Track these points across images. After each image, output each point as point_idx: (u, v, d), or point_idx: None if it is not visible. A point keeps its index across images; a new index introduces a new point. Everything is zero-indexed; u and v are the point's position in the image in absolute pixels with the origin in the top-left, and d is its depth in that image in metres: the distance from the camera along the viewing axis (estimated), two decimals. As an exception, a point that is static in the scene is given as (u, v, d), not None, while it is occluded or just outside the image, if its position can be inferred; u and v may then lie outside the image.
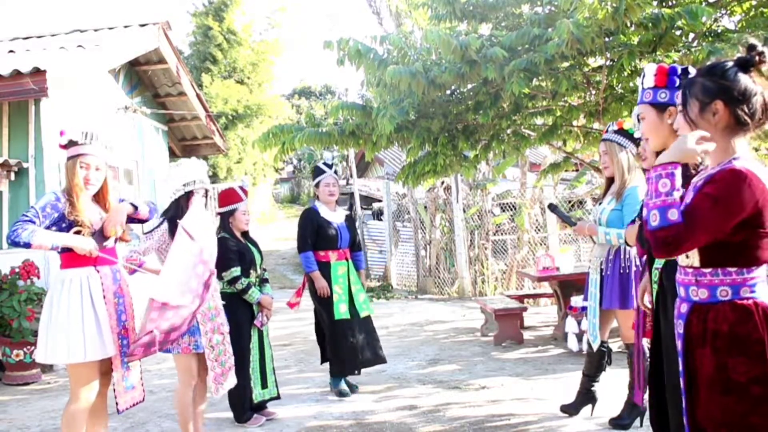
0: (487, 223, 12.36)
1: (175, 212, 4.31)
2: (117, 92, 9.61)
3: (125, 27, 9.31)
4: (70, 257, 3.57)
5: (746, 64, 2.15)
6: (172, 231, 4.23)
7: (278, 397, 5.24)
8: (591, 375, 4.68)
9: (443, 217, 13.13)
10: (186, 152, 12.08)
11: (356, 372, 5.89)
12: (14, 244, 3.37)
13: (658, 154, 2.97)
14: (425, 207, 13.40)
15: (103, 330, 3.52)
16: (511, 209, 12.56)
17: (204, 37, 23.23)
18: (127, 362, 3.67)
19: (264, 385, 5.09)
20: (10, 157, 7.51)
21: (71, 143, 3.68)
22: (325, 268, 5.64)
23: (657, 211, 2.11)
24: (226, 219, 5.03)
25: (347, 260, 5.76)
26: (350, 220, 5.91)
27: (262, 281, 5.13)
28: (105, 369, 3.65)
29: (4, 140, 7.70)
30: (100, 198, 3.79)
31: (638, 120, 2.90)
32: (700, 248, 2.17)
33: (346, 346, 5.61)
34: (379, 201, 17.67)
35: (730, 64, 2.17)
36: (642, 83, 2.78)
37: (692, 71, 2.64)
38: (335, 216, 5.77)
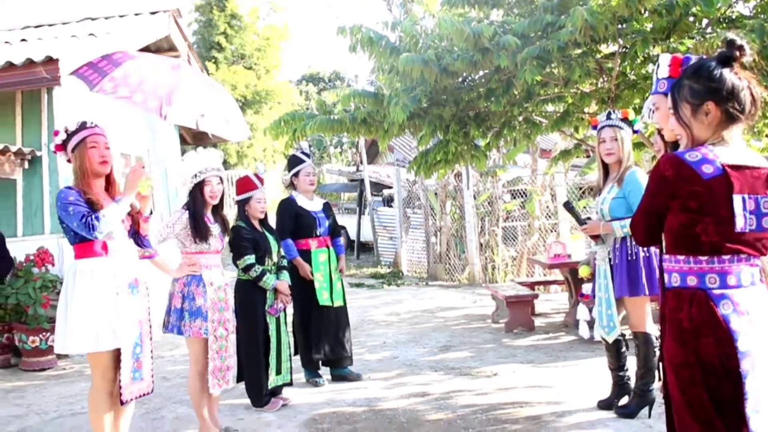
0: (498, 210, 12.35)
1: (193, 204, 4.38)
2: (128, 80, 9.62)
3: (136, 15, 9.31)
4: (83, 248, 3.59)
5: (728, 60, 2.21)
6: (193, 223, 4.31)
7: (291, 384, 5.30)
8: (616, 368, 4.69)
9: (453, 204, 13.13)
10: (197, 140, 12.09)
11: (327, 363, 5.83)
12: (94, 231, 3.41)
13: (670, 143, 2.99)
14: (435, 194, 13.40)
15: (113, 321, 3.55)
16: (522, 196, 12.54)
17: (207, 26, 23.20)
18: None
19: (278, 371, 5.14)
20: (24, 146, 7.55)
21: (70, 135, 3.67)
22: (305, 256, 5.67)
23: None
24: (242, 206, 5.06)
25: (328, 247, 5.79)
26: (328, 207, 5.95)
27: (279, 268, 5.16)
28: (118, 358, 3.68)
29: (18, 129, 7.74)
30: (109, 188, 3.79)
31: (651, 110, 2.90)
32: (663, 235, 2.32)
33: (321, 335, 5.64)
34: (390, 188, 17.67)
35: (714, 63, 2.23)
36: (656, 73, 2.79)
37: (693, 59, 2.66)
38: (313, 204, 5.80)
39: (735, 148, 2.22)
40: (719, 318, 2.13)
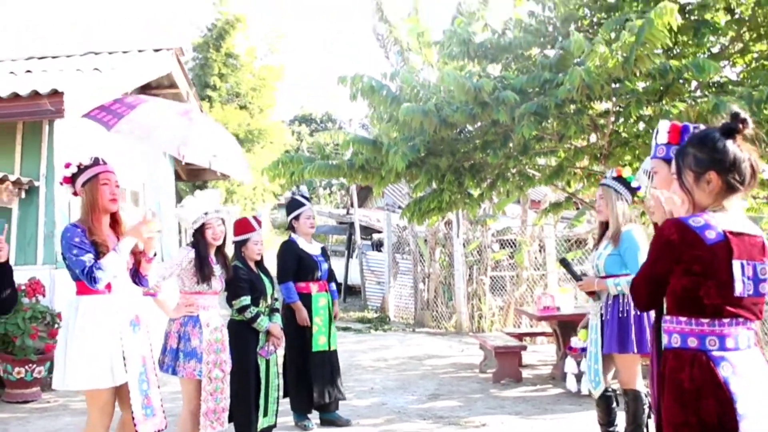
0: (486, 259, 12.44)
1: (197, 247, 4.46)
2: (128, 115, 9.73)
3: (139, 51, 9.48)
4: (84, 285, 3.60)
5: (731, 132, 2.33)
6: (198, 265, 4.38)
7: (275, 426, 5.29)
8: (606, 423, 4.71)
9: (443, 251, 13.22)
10: (191, 176, 12.18)
11: (327, 407, 5.82)
12: (95, 283, 3.47)
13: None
14: (425, 240, 13.49)
15: (113, 358, 3.56)
16: (511, 246, 12.65)
17: (204, 66, 23.44)
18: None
19: (265, 413, 5.14)
20: (22, 176, 7.60)
21: (81, 170, 3.73)
22: (306, 300, 5.70)
23: None
24: (239, 248, 5.12)
25: (327, 292, 5.84)
26: (325, 251, 6.03)
27: (272, 311, 5.20)
28: (125, 394, 3.68)
29: (17, 158, 7.80)
30: (114, 225, 3.83)
31: (648, 175, 3.02)
32: (666, 296, 2.38)
33: (321, 379, 5.65)
34: (379, 232, 17.75)
35: (718, 134, 2.34)
36: (655, 139, 2.92)
37: (701, 128, 2.79)
38: (313, 248, 5.87)
39: (734, 215, 2.33)
40: (720, 380, 2.20)
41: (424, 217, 7.81)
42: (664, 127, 2.88)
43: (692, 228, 2.25)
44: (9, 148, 7.78)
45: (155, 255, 3.89)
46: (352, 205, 18.41)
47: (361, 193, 21.05)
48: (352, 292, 18.02)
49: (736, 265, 2.24)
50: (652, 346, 3.29)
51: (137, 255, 3.79)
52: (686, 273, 2.26)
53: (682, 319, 2.31)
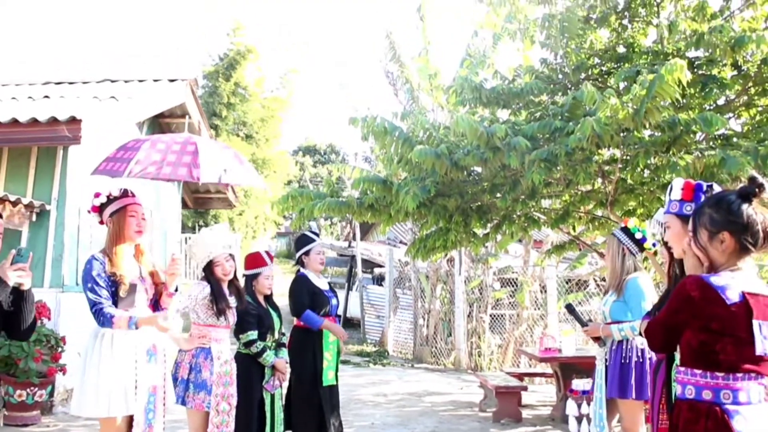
0: (487, 297, 12.50)
1: (209, 284, 4.54)
2: (140, 142, 9.88)
3: (155, 81, 9.65)
4: None
5: (748, 196, 2.43)
6: (215, 301, 4.46)
7: None
8: None
9: (444, 288, 13.29)
10: (197, 204, 12.31)
11: None
12: (100, 324, 3.63)
13: (676, 260, 3.21)
14: (427, 276, 13.56)
15: (129, 388, 3.63)
16: (511, 284, 12.72)
17: (213, 94, 23.70)
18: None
19: (270, 447, 5.17)
20: (34, 199, 7.70)
21: (110, 200, 3.85)
22: (316, 336, 5.74)
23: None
24: (250, 282, 5.19)
25: None
26: (332, 286, 6.10)
27: (279, 345, 5.26)
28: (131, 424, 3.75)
29: (30, 182, 7.91)
30: (137, 255, 3.95)
31: (662, 227, 3.13)
32: (680, 346, 2.47)
33: (330, 413, 5.69)
34: (380, 266, 17.81)
35: (734, 197, 2.45)
36: (669, 195, 3.03)
37: (716, 188, 2.90)
38: (322, 283, 5.93)
39: (749, 275, 2.43)
40: None
41: (428, 255, 7.92)
42: (678, 184, 2.99)
43: (714, 287, 2.34)
44: (23, 172, 7.89)
45: (177, 290, 3.99)
46: (354, 238, 18.49)
47: (362, 226, 21.16)
48: (350, 324, 18.03)
49: (755, 324, 2.33)
50: (651, 392, 3.38)
51: (159, 287, 3.88)
52: (703, 329, 2.34)
53: (697, 371, 2.39)
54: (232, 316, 4.58)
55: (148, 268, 3.94)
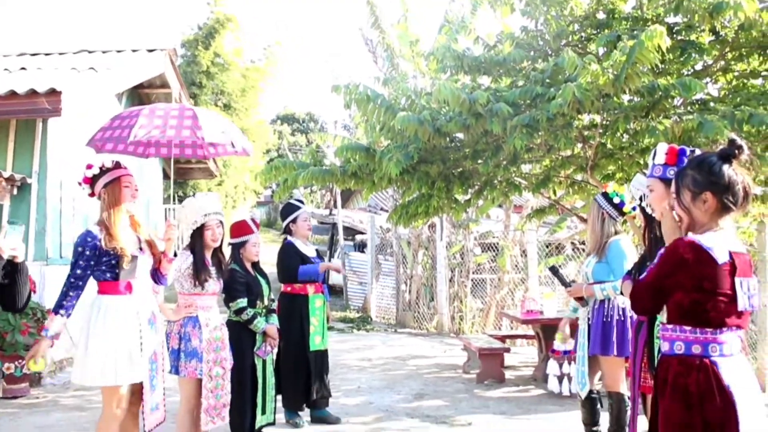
0: (468, 262, 12.67)
1: (194, 248, 4.55)
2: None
3: (133, 51, 9.55)
4: (107, 285, 3.76)
5: (728, 157, 2.55)
6: (194, 267, 4.47)
7: (273, 423, 5.44)
8: (590, 423, 4.94)
9: (426, 254, 13.43)
10: (178, 175, 12.26)
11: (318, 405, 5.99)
12: (59, 302, 3.71)
13: (655, 222, 3.32)
14: (408, 243, 13.69)
15: (133, 355, 3.71)
16: (492, 249, 12.89)
17: (192, 63, 23.37)
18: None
19: (263, 411, 5.28)
20: (15, 172, 7.66)
21: (103, 171, 3.88)
22: (302, 301, 5.86)
23: (646, 272, 2.63)
24: (236, 250, 5.24)
25: (323, 293, 6.00)
26: (319, 253, 6.20)
27: (269, 311, 5.34)
28: (135, 389, 3.82)
29: (9, 155, 7.86)
30: (131, 222, 3.99)
31: (642, 193, 3.23)
32: (667, 306, 2.57)
33: (317, 378, 5.82)
34: (362, 233, 17.91)
35: (715, 158, 2.56)
36: (653, 159, 3.13)
37: (697, 152, 3.00)
38: (309, 250, 6.03)
39: (729, 235, 2.54)
40: (724, 384, 2.42)
41: (410, 221, 8.01)
42: (662, 148, 3.08)
43: (705, 248, 2.46)
44: (2, 145, 7.84)
45: (175, 255, 4.04)
46: (335, 206, 18.55)
47: (343, 193, 21.21)
48: (333, 291, 18.14)
49: (737, 282, 2.47)
50: (633, 350, 3.51)
51: (158, 254, 3.93)
52: (696, 289, 2.46)
53: (687, 328, 2.51)
54: (216, 284, 4.58)
55: (145, 238, 3.98)
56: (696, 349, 2.49)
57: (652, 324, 3.21)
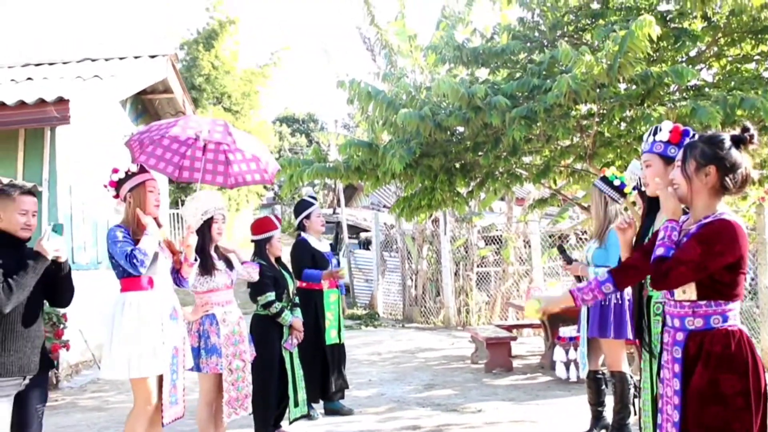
0: (473, 255, 12.81)
1: (202, 241, 4.67)
2: (124, 120, 9.97)
3: (135, 57, 9.69)
4: (130, 282, 3.91)
5: (739, 142, 2.68)
6: (202, 254, 4.60)
7: (307, 415, 5.60)
8: (596, 403, 5.09)
9: (430, 249, 13.57)
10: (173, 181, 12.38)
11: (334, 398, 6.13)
12: (139, 266, 3.79)
13: (649, 198, 3.41)
14: (413, 238, 13.83)
15: (157, 348, 3.86)
16: (496, 242, 13.02)
17: (192, 66, 23.47)
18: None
19: (296, 404, 5.42)
20: (26, 181, 7.80)
21: (128, 176, 4.03)
22: (317, 296, 6.00)
23: (662, 248, 2.70)
24: (262, 246, 5.38)
25: (338, 288, 6.14)
26: (333, 248, 6.34)
27: (293, 305, 5.49)
28: (160, 383, 3.98)
29: (19, 164, 7.99)
30: (155, 221, 4.13)
31: (641, 167, 3.32)
32: (697, 284, 2.66)
33: (334, 370, 5.96)
34: (366, 231, 18.04)
35: (728, 138, 2.69)
36: (654, 135, 3.17)
37: (696, 135, 3.12)
38: (323, 246, 6.17)
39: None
40: (756, 353, 2.64)
41: (413, 214, 8.12)
42: (667, 126, 3.15)
43: (743, 227, 2.63)
44: (12, 155, 7.96)
45: (196, 260, 4.20)
46: (338, 204, 18.67)
47: (346, 192, 21.34)
48: (339, 289, 18.31)
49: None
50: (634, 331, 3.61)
51: (176, 254, 4.08)
52: (738, 266, 2.62)
53: (721, 301, 2.65)
54: (225, 276, 4.70)
55: (165, 237, 4.14)
56: (732, 321, 2.65)
57: (640, 303, 3.34)
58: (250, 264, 5.04)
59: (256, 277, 5.01)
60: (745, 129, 2.68)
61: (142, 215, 3.93)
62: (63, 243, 3.50)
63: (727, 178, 2.65)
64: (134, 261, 3.76)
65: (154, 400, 3.92)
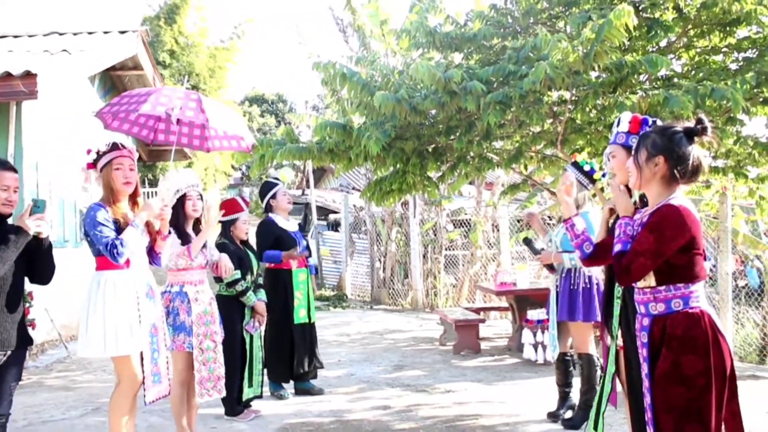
0: (441, 238, 12.91)
1: (176, 218, 4.65)
2: (92, 96, 9.79)
3: (105, 33, 9.50)
4: (104, 260, 3.85)
5: (692, 133, 2.75)
6: (177, 231, 4.58)
7: (261, 396, 5.62)
8: (563, 384, 5.22)
9: (399, 231, 13.63)
10: (152, 157, 12.25)
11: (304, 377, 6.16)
12: (118, 257, 3.73)
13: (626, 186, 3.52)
14: (382, 220, 13.88)
15: (133, 327, 3.84)
16: (464, 225, 13.14)
17: (153, 44, 23.03)
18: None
19: (250, 384, 5.44)
20: (-10, 156, 7.64)
21: (100, 155, 3.98)
22: (286, 275, 6.02)
23: (620, 244, 2.81)
24: (227, 227, 5.38)
25: (306, 267, 6.17)
26: (302, 228, 6.35)
27: (257, 286, 5.49)
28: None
29: (-16, 140, 7.82)
30: (133, 207, 4.08)
31: (608, 158, 3.44)
32: (655, 271, 2.73)
33: (302, 350, 6.00)
34: (335, 212, 18.04)
35: (680, 130, 2.76)
36: (617, 127, 3.34)
37: (658, 122, 3.22)
38: (290, 225, 6.19)
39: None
40: (720, 332, 2.70)
41: (384, 198, 8.14)
42: (626, 117, 3.30)
43: (691, 211, 2.70)
44: (-24, 129, 7.79)
45: (169, 233, 4.17)
46: (307, 186, 18.63)
47: (315, 173, 21.28)
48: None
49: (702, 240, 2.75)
50: (603, 316, 3.72)
51: (153, 234, 4.05)
52: (691, 248, 2.70)
53: (680, 285, 2.72)
54: (203, 257, 4.70)
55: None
56: (694, 302, 2.72)
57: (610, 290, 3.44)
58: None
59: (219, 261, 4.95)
60: (699, 121, 2.74)
61: (146, 212, 3.91)
62: (44, 219, 3.48)
63: (675, 169, 2.72)
64: (114, 252, 3.73)
65: (139, 378, 3.91)
